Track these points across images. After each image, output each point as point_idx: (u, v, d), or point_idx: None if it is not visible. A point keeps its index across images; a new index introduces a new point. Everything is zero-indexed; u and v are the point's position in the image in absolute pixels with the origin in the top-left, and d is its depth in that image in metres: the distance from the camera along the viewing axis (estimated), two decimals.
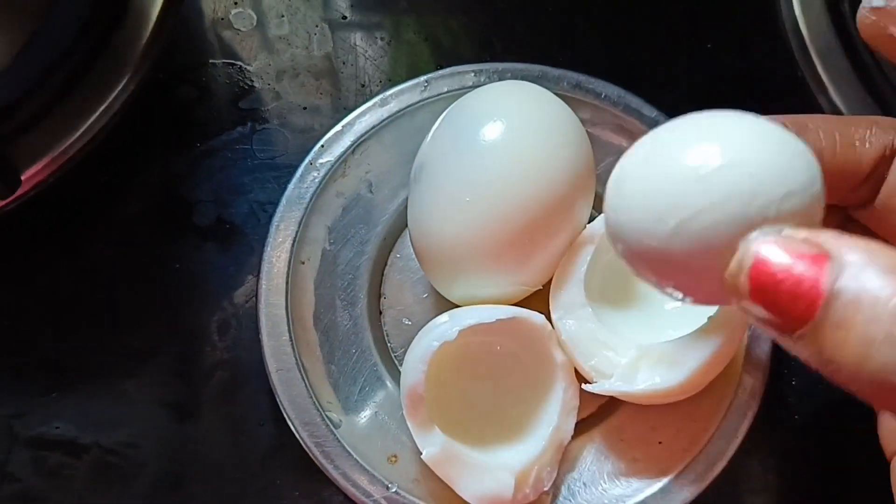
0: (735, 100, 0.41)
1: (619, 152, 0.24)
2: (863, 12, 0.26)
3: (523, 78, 0.36)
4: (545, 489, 0.31)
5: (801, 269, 0.17)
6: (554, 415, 0.31)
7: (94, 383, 0.35)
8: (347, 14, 0.42)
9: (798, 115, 0.25)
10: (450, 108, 0.33)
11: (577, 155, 0.31)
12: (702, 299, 0.23)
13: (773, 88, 0.41)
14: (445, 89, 0.37)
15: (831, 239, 0.17)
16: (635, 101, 0.37)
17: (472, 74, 0.37)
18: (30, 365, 0.36)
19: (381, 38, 0.41)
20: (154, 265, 0.37)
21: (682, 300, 0.23)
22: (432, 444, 0.30)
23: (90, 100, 0.36)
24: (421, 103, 0.37)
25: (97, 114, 0.36)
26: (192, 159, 0.39)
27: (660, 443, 0.33)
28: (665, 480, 0.32)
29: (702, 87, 0.41)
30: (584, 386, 0.31)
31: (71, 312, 0.36)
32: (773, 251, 0.18)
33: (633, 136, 0.35)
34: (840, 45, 0.41)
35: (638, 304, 0.34)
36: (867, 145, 0.25)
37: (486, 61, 0.38)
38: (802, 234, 0.18)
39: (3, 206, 0.35)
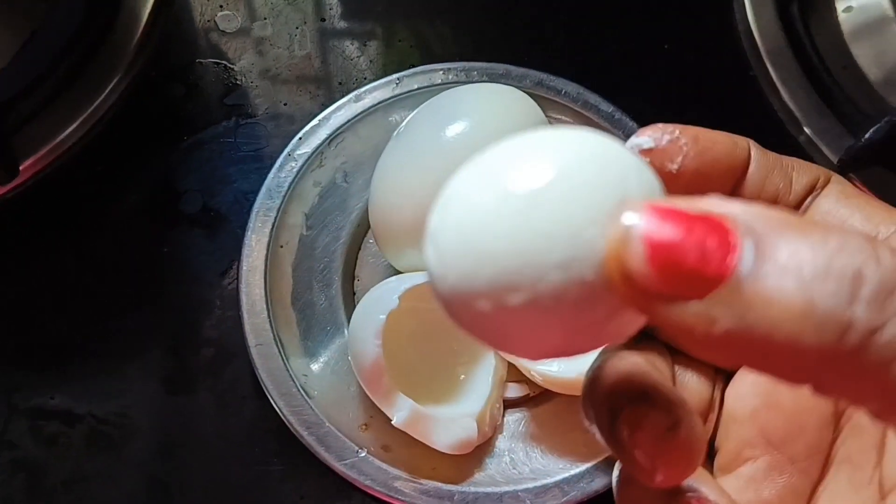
0: (691, 97, 0.44)
1: None
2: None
3: (489, 76, 0.39)
4: (498, 423, 0.35)
5: (701, 228, 0.14)
6: (492, 359, 0.35)
7: (88, 359, 0.38)
8: (326, 17, 0.44)
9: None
10: (420, 106, 0.36)
11: None
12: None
13: (727, 87, 0.44)
14: (416, 86, 0.40)
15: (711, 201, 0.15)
16: (593, 98, 0.40)
17: (441, 73, 0.40)
18: (29, 343, 0.38)
19: (358, 40, 0.44)
20: (145, 249, 0.40)
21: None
22: (401, 410, 0.33)
23: (86, 95, 0.39)
24: (393, 99, 0.39)
25: (92, 108, 0.39)
26: (180, 151, 0.41)
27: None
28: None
29: (660, 86, 0.44)
30: (521, 361, 0.34)
31: (67, 294, 0.39)
32: (659, 223, 0.14)
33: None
34: (789, 46, 0.43)
35: None
36: None
37: (456, 61, 0.41)
38: (680, 201, 0.15)
39: (2, 193, 0.37)
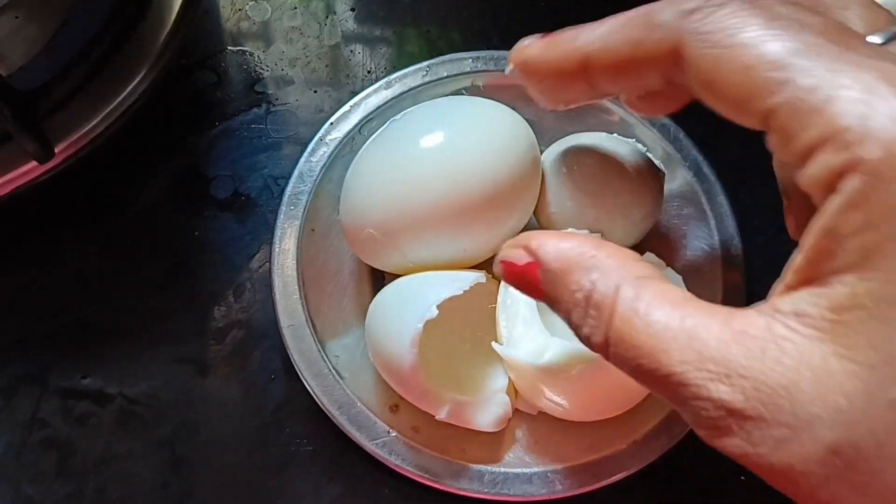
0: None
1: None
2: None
3: None
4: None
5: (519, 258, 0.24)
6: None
7: (119, 341, 0.38)
8: (356, 7, 0.45)
9: None
10: (405, 112, 0.36)
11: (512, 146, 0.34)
12: None
13: None
14: (445, 74, 0.40)
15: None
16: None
17: (470, 61, 0.40)
18: (61, 325, 0.39)
19: (387, 29, 0.45)
20: (176, 234, 0.40)
21: None
22: (442, 406, 0.33)
23: (117, 82, 0.39)
24: (422, 86, 0.40)
25: (123, 95, 0.39)
26: (210, 138, 0.42)
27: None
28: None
29: None
30: (493, 344, 0.34)
31: (99, 277, 0.39)
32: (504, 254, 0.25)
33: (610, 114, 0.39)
34: None
35: None
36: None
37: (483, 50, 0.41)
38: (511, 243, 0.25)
39: (37, 176, 0.37)
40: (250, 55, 0.44)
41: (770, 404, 0.19)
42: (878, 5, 0.23)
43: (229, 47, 0.44)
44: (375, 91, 0.40)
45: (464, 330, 0.35)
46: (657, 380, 0.20)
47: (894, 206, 0.18)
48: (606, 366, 0.30)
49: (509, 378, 0.35)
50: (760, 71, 0.19)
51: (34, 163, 0.37)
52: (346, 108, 0.39)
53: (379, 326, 0.34)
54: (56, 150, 0.38)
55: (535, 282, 0.24)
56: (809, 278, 0.19)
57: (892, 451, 0.18)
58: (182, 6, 0.41)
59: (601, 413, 0.34)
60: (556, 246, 0.23)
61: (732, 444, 0.19)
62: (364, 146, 0.36)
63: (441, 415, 0.33)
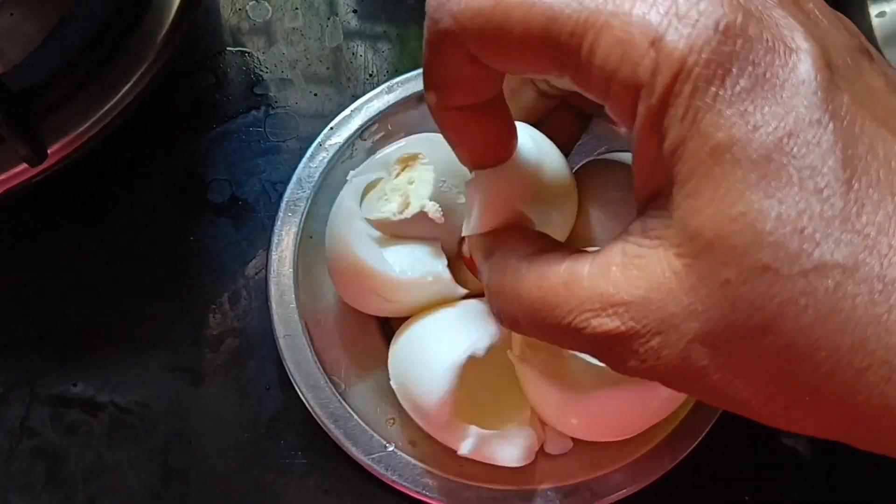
0: None
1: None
2: None
3: None
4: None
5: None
6: None
7: (112, 348, 0.37)
8: (358, 8, 0.44)
9: None
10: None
11: None
12: None
13: None
14: None
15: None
16: None
17: None
18: (52, 330, 0.38)
19: (389, 32, 0.44)
20: (171, 238, 0.39)
21: None
22: (466, 440, 0.32)
23: (114, 82, 0.38)
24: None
25: (120, 95, 0.38)
26: (208, 140, 0.41)
27: None
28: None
29: None
30: (507, 352, 0.32)
31: (93, 282, 0.39)
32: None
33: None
34: None
35: None
36: None
37: None
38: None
39: (31, 178, 0.37)
40: (250, 56, 0.43)
41: (640, 319, 0.20)
42: None
43: (229, 48, 0.43)
44: (377, 95, 0.39)
45: (480, 360, 0.34)
46: (558, 335, 0.22)
47: (683, 101, 0.19)
48: (622, 389, 0.30)
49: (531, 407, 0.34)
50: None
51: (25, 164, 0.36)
52: (346, 112, 0.38)
53: (412, 356, 0.32)
54: (50, 151, 0.37)
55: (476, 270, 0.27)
56: (645, 198, 0.21)
57: (745, 329, 0.19)
58: (181, 5, 0.40)
59: (614, 435, 0.33)
60: (472, 236, 0.27)
61: (631, 367, 0.21)
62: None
63: (464, 450, 0.32)
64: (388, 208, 0.32)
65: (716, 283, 0.19)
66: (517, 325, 0.24)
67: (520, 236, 0.26)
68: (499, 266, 0.25)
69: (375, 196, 0.33)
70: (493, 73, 0.23)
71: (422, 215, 0.31)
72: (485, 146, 0.26)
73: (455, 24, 0.21)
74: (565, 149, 0.32)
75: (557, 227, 0.30)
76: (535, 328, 0.23)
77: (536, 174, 0.28)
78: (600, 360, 0.22)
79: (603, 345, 0.21)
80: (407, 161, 0.33)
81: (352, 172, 0.34)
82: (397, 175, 0.33)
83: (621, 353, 0.21)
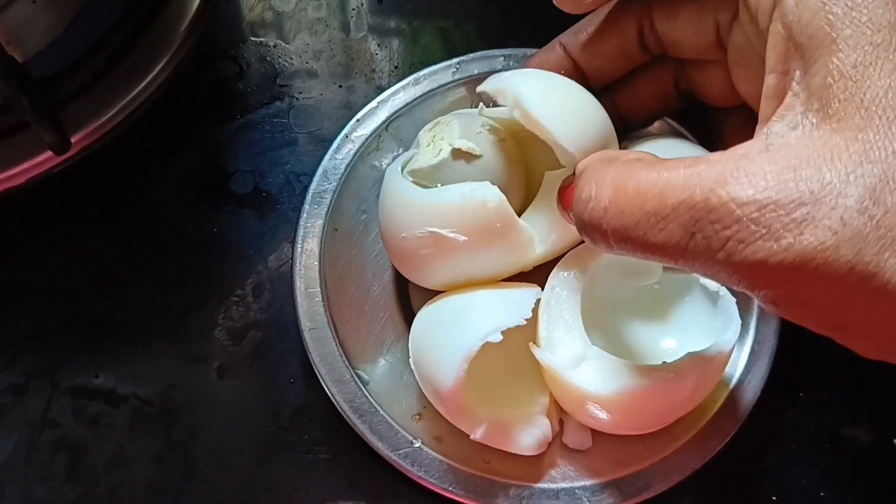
0: None
1: None
2: None
3: None
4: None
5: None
6: None
7: (134, 339, 0.37)
8: None
9: None
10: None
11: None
12: None
13: None
14: (476, 71, 0.39)
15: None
16: None
17: (502, 58, 0.39)
18: (73, 320, 0.37)
19: (414, 23, 0.43)
20: (194, 229, 0.39)
21: None
22: (478, 425, 0.31)
23: (136, 71, 0.38)
24: (452, 84, 0.39)
25: (143, 84, 0.38)
26: (231, 131, 0.41)
27: None
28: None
29: None
30: (530, 344, 0.32)
31: (114, 272, 0.38)
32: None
33: None
34: None
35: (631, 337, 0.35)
36: None
37: (514, 47, 0.40)
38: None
39: (53, 167, 0.36)
40: (273, 47, 0.42)
41: (782, 185, 0.19)
42: None
43: (252, 38, 0.43)
44: (404, 88, 0.38)
45: (502, 346, 0.34)
46: (662, 219, 0.21)
47: None
48: (648, 380, 0.30)
49: (551, 399, 0.33)
50: None
51: (48, 153, 0.36)
52: (373, 104, 0.38)
53: (431, 333, 0.32)
54: (73, 140, 0.37)
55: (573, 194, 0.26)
56: (783, 90, 0.21)
57: None
58: None
59: (637, 429, 0.33)
60: (591, 156, 0.27)
61: (755, 251, 0.19)
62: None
63: (476, 434, 0.32)
64: (423, 159, 0.32)
65: (889, 150, 0.18)
66: (605, 217, 0.23)
67: (635, 154, 0.25)
68: (624, 168, 0.23)
69: (411, 162, 0.32)
70: None
71: (458, 154, 0.31)
72: None
73: None
74: (645, 116, 0.35)
75: None
76: (631, 212, 0.22)
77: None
78: (711, 250, 0.20)
79: (723, 219, 0.20)
80: (434, 129, 0.32)
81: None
82: (429, 144, 0.32)
83: (745, 231, 0.19)
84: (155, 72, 0.38)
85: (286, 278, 0.37)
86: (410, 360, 0.33)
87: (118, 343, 0.37)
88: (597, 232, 0.24)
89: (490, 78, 0.32)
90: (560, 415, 0.34)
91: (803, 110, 0.20)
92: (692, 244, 0.20)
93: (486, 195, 0.30)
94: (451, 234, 0.30)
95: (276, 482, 0.35)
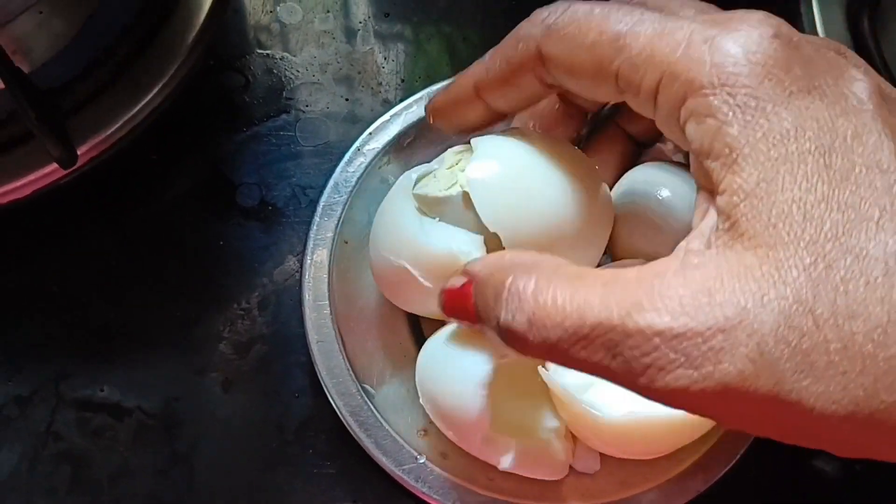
0: None
1: None
2: None
3: None
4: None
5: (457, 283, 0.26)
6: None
7: (139, 351, 0.37)
8: (390, 12, 0.44)
9: None
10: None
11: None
12: None
13: None
14: None
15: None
16: None
17: None
18: (78, 331, 0.37)
19: (422, 37, 0.43)
20: (199, 241, 0.39)
21: None
22: (505, 454, 0.31)
23: (142, 83, 0.38)
24: None
25: (149, 96, 0.38)
26: (237, 143, 0.41)
27: None
28: None
29: None
30: (539, 368, 0.32)
31: (120, 283, 0.38)
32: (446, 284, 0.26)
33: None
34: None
35: None
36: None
37: None
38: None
39: (59, 179, 0.36)
40: (280, 59, 0.42)
41: (697, 311, 0.19)
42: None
43: (258, 50, 0.43)
44: (417, 102, 0.38)
45: (508, 371, 0.34)
46: (582, 338, 0.20)
47: (735, 105, 0.20)
48: (651, 412, 0.30)
49: (563, 423, 0.33)
50: (603, 45, 0.23)
51: (54, 165, 0.36)
52: (385, 117, 0.38)
53: (438, 364, 0.32)
54: (79, 153, 0.36)
55: (470, 301, 0.25)
56: (704, 210, 0.22)
57: (827, 311, 0.18)
58: (211, 5, 0.39)
59: (648, 453, 0.33)
60: (484, 259, 0.26)
61: (676, 378, 0.19)
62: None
63: (504, 464, 0.31)
64: (435, 185, 0.32)
65: (797, 269, 0.19)
66: (528, 332, 0.22)
67: (556, 260, 0.24)
68: (543, 280, 0.22)
69: (426, 180, 0.32)
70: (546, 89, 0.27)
71: (468, 200, 0.31)
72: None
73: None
74: (613, 173, 0.34)
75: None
76: (550, 331, 0.21)
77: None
78: (631, 374, 0.20)
79: (640, 345, 0.19)
80: (462, 153, 0.32)
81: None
82: (451, 167, 0.32)
83: (663, 358, 0.19)
84: (161, 83, 0.38)
85: (291, 291, 0.37)
86: (420, 398, 0.33)
87: (124, 354, 0.37)
88: (521, 343, 0.23)
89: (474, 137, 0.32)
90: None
91: (716, 229, 0.21)
92: (615, 365, 0.20)
93: (472, 255, 0.30)
94: (420, 277, 0.31)
95: (280, 496, 0.35)
